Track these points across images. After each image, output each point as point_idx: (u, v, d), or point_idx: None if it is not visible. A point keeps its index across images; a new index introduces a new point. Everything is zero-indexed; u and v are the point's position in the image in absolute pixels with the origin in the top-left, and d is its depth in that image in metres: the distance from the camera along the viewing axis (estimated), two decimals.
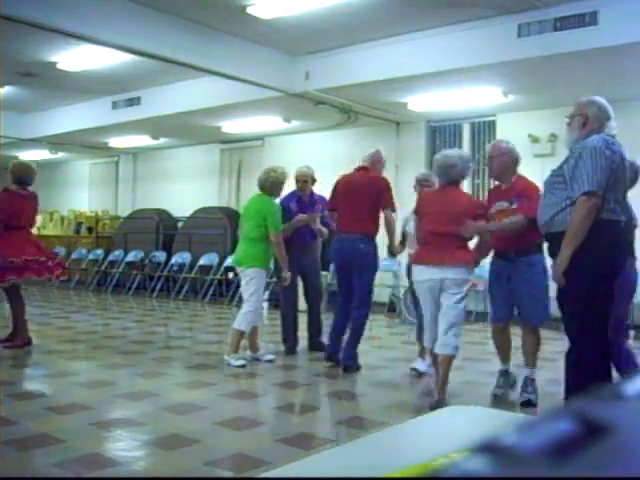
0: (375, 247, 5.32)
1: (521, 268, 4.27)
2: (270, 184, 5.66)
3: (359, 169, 5.48)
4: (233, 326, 5.47)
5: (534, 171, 8.34)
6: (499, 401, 4.42)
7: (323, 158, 10.40)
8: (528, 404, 4.25)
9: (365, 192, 5.29)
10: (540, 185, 3.90)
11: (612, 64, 6.45)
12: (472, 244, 4.51)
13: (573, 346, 3.37)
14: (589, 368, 3.24)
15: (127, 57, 7.30)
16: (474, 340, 7.08)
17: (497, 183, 4.70)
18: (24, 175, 6.06)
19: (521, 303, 4.35)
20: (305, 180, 6.21)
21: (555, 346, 6.80)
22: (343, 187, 5.44)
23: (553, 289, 3.66)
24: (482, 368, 5.58)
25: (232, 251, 10.68)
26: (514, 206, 4.29)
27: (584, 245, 3.25)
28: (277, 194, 5.80)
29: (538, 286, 4.26)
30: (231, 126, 10.43)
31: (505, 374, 4.65)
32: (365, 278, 5.29)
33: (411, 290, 5.01)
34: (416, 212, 4.58)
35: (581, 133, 3.55)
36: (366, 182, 5.34)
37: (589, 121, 3.58)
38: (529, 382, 4.37)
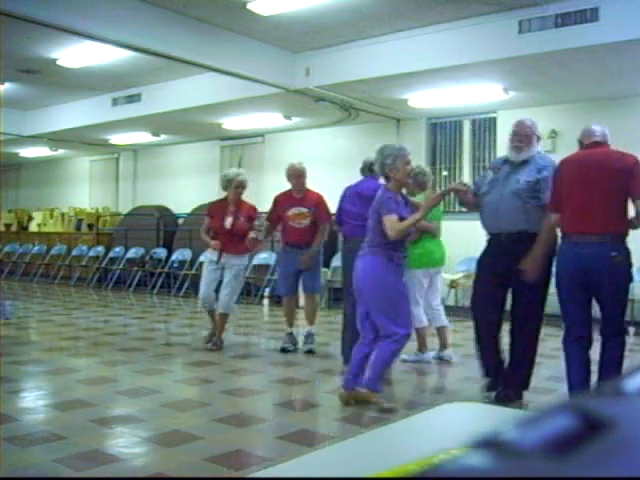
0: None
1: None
2: None
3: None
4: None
5: None
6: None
7: (323, 155, 10.41)
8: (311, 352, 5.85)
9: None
10: None
11: (613, 61, 6.45)
12: None
13: None
14: None
15: (127, 54, 7.30)
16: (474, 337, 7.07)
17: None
18: None
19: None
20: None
21: (554, 343, 6.80)
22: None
23: None
24: None
25: None
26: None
27: None
28: None
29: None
30: (231, 123, 10.43)
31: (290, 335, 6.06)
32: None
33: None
34: None
35: (533, 148, 4.40)
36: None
37: (538, 139, 4.56)
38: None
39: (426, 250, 5.54)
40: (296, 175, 6.09)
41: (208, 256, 6.14)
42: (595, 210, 3.64)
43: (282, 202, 6.07)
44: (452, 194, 5.17)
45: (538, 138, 4.39)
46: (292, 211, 5.96)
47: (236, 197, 6.01)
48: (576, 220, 3.70)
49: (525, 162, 4.17)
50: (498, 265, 4.16)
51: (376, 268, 4.02)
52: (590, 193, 3.66)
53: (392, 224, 3.94)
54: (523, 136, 4.30)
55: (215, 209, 6.11)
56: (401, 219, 3.97)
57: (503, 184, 4.17)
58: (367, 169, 5.39)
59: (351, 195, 5.36)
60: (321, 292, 6.37)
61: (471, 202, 4.43)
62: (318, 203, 6.02)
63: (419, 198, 5.41)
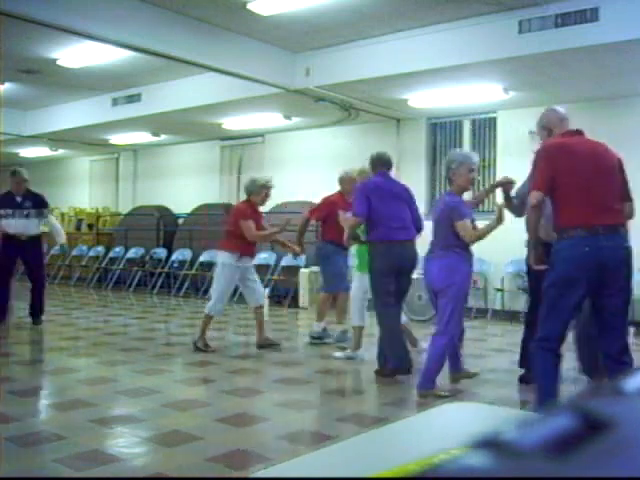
0: None
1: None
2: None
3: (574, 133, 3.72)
4: None
5: None
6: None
7: (323, 155, 10.41)
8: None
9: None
10: None
11: (613, 60, 6.44)
12: None
13: None
14: None
15: (127, 54, 7.30)
16: (474, 337, 7.08)
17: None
18: None
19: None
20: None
21: None
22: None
23: None
24: (482, 365, 5.58)
25: None
26: None
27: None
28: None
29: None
30: (231, 123, 10.43)
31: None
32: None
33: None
34: None
35: None
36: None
37: None
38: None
39: None
40: (352, 182, 6.24)
41: (239, 263, 5.91)
42: (610, 201, 3.44)
43: (337, 205, 6.22)
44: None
45: None
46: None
47: (263, 202, 6.15)
48: (592, 212, 3.39)
49: None
50: None
51: (463, 266, 4.29)
52: (605, 184, 3.45)
53: (467, 230, 4.21)
54: None
55: (251, 213, 6.01)
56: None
57: None
58: (380, 164, 5.33)
59: (382, 194, 5.06)
60: None
61: (516, 207, 4.44)
62: None
63: None
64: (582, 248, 3.35)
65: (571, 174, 3.42)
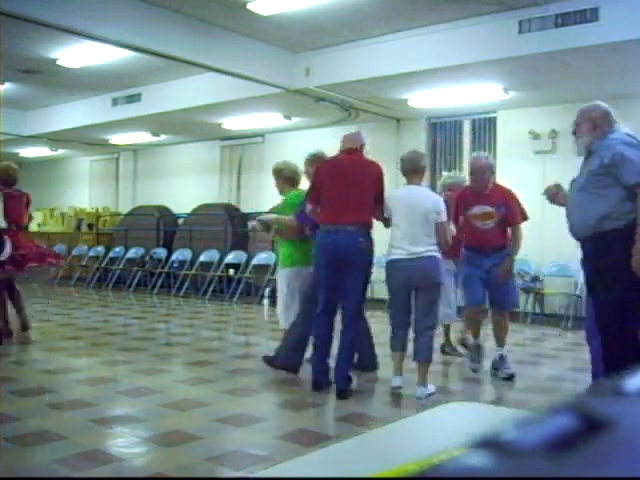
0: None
1: (497, 261, 4.90)
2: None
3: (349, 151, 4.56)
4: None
5: (535, 167, 8.35)
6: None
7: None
8: (510, 378, 4.85)
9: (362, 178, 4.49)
10: None
11: (613, 60, 6.45)
12: None
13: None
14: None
15: (127, 54, 7.30)
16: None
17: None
18: (8, 176, 6.42)
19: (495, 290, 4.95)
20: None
21: (555, 343, 6.79)
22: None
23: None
24: (483, 365, 5.58)
25: (232, 248, 10.71)
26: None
27: (618, 249, 3.28)
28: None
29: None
30: (231, 123, 10.43)
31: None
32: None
33: None
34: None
35: (593, 135, 3.52)
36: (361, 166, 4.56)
37: (598, 124, 3.55)
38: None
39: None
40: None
41: (448, 266, 5.18)
42: (354, 205, 4.34)
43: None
44: None
45: (599, 122, 3.56)
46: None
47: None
48: (335, 213, 4.36)
49: (590, 152, 3.54)
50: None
51: None
52: (349, 192, 4.35)
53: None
54: (575, 125, 3.66)
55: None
56: None
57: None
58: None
59: None
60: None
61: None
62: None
63: (291, 196, 5.13)
64: (324, 240, 4.36)
65: (327, 185, 4.40)
